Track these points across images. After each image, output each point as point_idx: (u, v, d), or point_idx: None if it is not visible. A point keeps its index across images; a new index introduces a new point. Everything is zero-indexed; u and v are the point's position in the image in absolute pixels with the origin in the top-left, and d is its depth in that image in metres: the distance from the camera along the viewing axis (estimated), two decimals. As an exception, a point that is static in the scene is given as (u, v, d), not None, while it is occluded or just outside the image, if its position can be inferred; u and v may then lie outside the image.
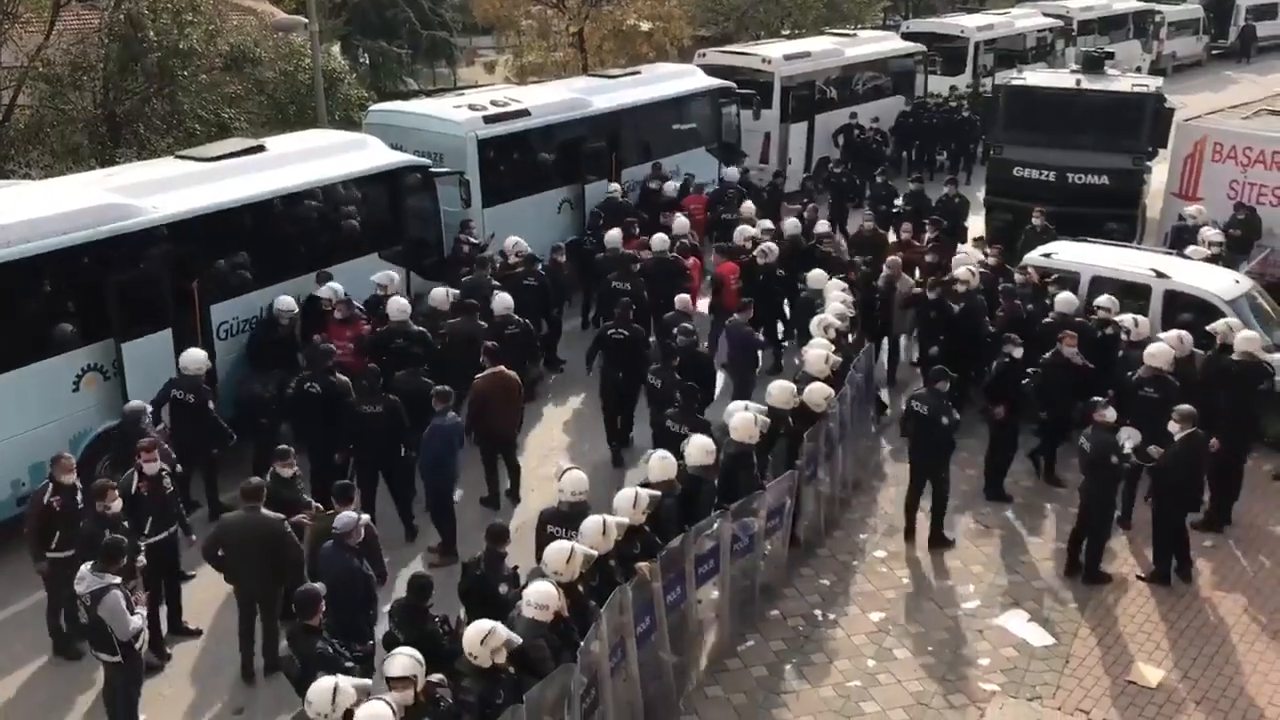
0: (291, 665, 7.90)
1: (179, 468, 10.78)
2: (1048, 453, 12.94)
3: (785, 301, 15.74)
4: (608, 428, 13.57)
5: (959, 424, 11.77)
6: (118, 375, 12.03)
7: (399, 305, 13.46)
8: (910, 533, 11.82)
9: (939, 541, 11.71)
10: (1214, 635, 10.30)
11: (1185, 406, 10.79)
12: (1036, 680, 9.71)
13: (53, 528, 9.55)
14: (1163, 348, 12.00)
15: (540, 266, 15.63)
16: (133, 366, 12.03)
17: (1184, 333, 12.54)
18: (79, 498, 9.63)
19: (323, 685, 6.82)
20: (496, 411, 12.14)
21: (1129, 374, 12.06)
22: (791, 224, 16.93)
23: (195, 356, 11.85)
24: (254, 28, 23.72)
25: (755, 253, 15.43)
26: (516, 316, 13.76)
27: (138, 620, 8.46)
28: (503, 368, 12.23)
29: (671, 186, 19.39)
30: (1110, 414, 10.88)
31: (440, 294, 14.27)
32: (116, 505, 9.17)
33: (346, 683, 6.85)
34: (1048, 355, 12.52)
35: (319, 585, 8.15)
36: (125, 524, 9.19)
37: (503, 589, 8.52)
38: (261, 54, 21.65)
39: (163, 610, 10.08)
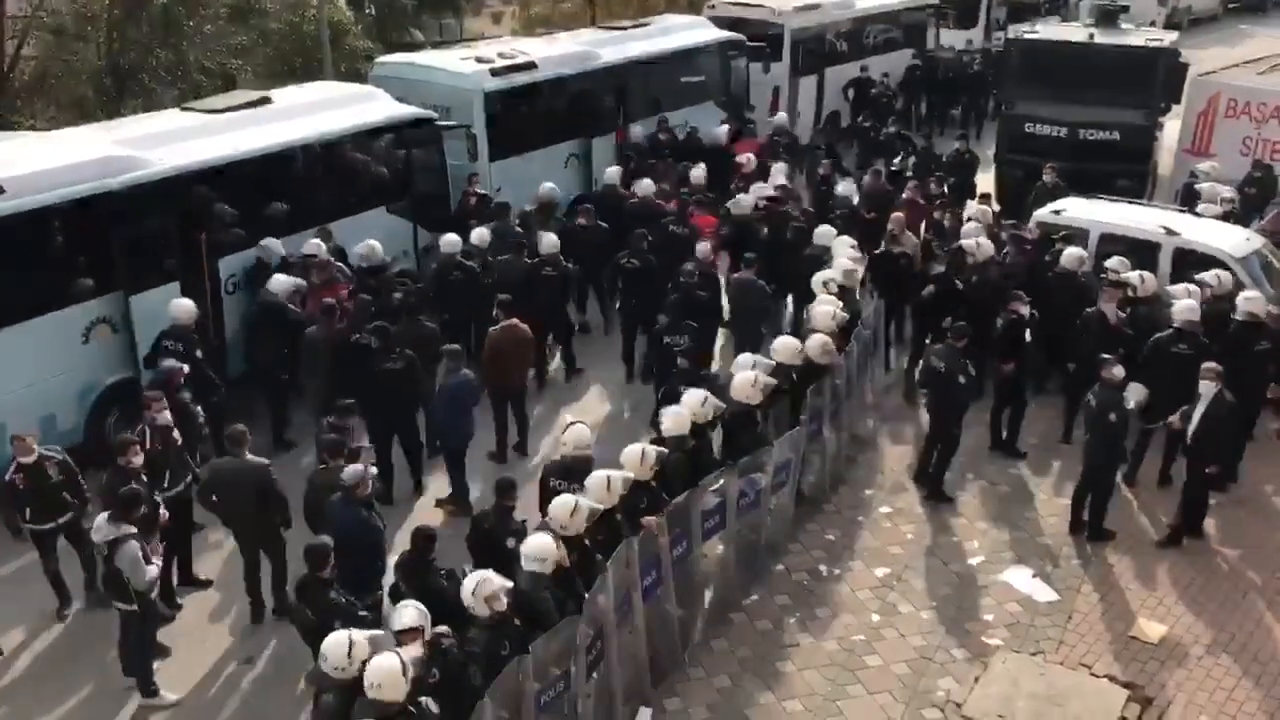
0: (303, 615, 7.98)
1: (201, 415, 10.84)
2: (1070, 410, 12.87)
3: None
4: (625, 347, 14.43)
5: (975, 383, 11.79)
6: (126, 328, 12.06)
7: (450, 240, 13.86)
8: (921, 480, 11.92)
9: (938, 496, 11.77)
10: (1217, 592, 10.35)
11: (1213, 364, 10.75)
12: (1040, 635, 9.78)
13: (22, 503, 9.59)
14: (1190, 303, 11.99)
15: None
16: (141, 319, 12.05)
17: (1191, 285, 12.56)
18: (51, 471, 9.58)
19: (338, 639, 6.88)
20: (509, 365, 12.21)
21: (1152, 332, 12.05)
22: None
23: (184, 306, 11.87)
24: (259, -22, 23.55)
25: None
26: (561, 257, 14.03)
27: (154, 569, 8.56)
28: (515, 320, 12.26)
29: (718, 131, 19.22)
30: (1118, 371, 10.86)
31: (482, 232, 14.37)
32: (139, 460, 9.23)
33: (361, 635, 6.92)
34: (1089, 310, 12.48)
35: (326, 538, 8.21)
36: (144, 477, 9.26)
37: (510, 542, 8.56)
38: (267, 4, 21.51)
39: (174, 562, 10.17)
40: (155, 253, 12.38)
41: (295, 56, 21.67)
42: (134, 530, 8.39)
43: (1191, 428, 10.76)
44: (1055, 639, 9.74)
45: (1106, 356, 11.06)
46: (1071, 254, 13.53)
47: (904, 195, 16.72)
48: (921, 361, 12.25)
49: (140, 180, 12.06)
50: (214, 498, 9.73)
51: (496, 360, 12.13)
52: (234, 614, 10.02)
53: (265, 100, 14.50)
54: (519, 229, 15.22)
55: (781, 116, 21.54)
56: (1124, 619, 9.97)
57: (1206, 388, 10.67)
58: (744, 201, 15.80)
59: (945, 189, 17.07)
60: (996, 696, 9.07)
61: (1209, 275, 12.82)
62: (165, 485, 9.78)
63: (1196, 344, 11.69)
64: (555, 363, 14.64)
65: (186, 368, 10.88)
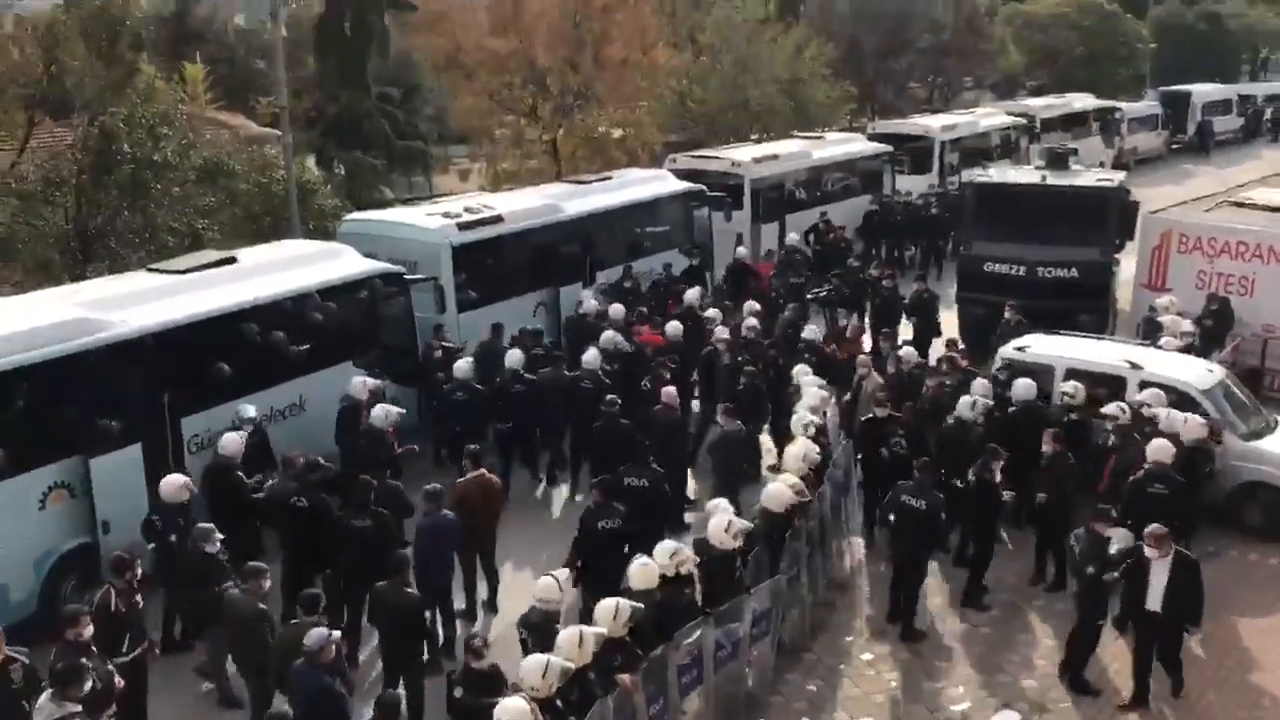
0: None
1: None
2: (1040, 546, 12.68)
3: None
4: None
5: (944, 521, 11.67)
6: (85, 493, 11.78)
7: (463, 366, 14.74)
8: (895, 616, 11.72)
9: (911, 635, 11.55)
10: (1210, 732, 10.08)
11: (1157, 527, 10.13)
12: (1031, 785, 9.45)
13: None
14: (1163, 443, 11.96)
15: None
16: (101, 483, 11.80)
17: (1194, 416, 12.83)
18: (15, 675, 8.74)
19: None
20: (477, 517, 11.89)
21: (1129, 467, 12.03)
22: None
23: (173, 483, 11.28)
24: (228, 140, 23.95)
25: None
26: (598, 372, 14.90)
27: (101, 746, 8.12)
28: (484, 471, 12.07)
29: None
30: (1112, 532, 10.57)
31: (464, 365, 14.86)
32: (88, 632, 8.83)
33: None
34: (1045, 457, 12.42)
35: (286, 709, 7.85)
36: (94, 649, 8.87)
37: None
38: (235, 166, 21.79)
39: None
40: (117, 415, 12.19)
41: (264, 216, 21.87)
42: (78, 710, 7.97)
43: (1156, 598, 10.14)
44: (1048, 789, 9.40)
45: (1103, 506, 10.83)
46: (1022, 384, 13.61)
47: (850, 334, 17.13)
48: (888, 499, 12.04)
49: (102, 342, 11.98)
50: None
51: (464, 513, 11.74)
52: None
53: (231, 259, 14.57)
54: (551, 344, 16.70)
55: (742, 250, 22.09)
56: (1118, 765, 9.67)
57: (1159, 560, 10.08)
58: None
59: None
60: None
61: (1179, 418, 12.81)
62: (124, 650, 9.39)
63: (1173, 483, 11.64)
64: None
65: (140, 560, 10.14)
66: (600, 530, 10.90)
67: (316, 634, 8.59)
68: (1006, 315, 17.25)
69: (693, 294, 18.36)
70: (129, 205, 18.86)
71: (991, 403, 13.47)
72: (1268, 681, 10.86)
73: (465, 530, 11.81)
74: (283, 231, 20.37)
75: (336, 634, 8.85)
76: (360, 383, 13.99)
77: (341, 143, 34.09)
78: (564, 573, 9.63)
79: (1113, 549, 10.56)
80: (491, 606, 12.26)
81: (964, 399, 13.27)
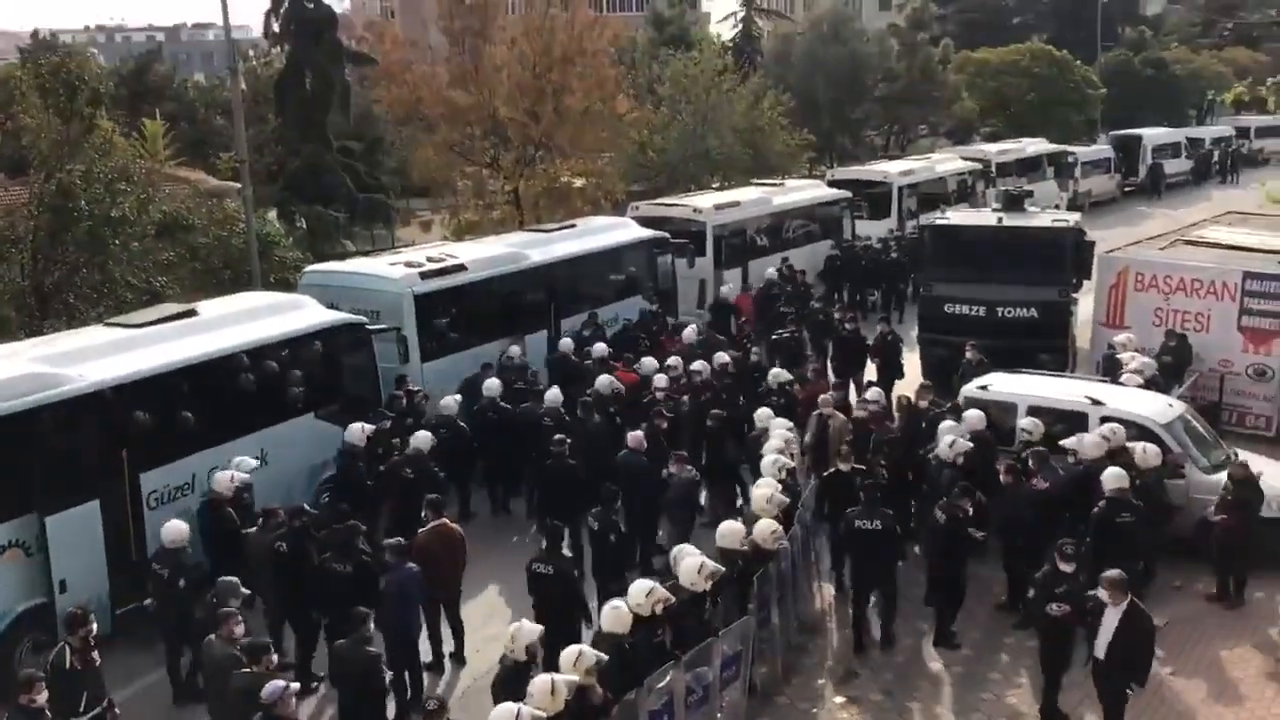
0: None
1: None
2: (1012, 582, 12.63)
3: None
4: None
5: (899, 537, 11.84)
6: (41, 550, 11.53)
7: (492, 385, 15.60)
8: (860, 646, 11.81)
9: (891, 642, 11.74)
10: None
11: (1115, 574, 9.93)
12: (1008, 825, 9.36)
13: None
14: (1118, 471, 12.09)
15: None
16: (57, 541, 11.57)
17: (1150, 445, 12.96)
18: None
19: None
20: (440, 567, 11.69)
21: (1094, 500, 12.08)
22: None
23: (177, 529, 11.39)
24: (187, 195, 23.86)
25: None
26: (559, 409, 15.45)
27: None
28: (445, 520, 11.96)
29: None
30: (1069, 568, 10.45)
31: (450, 401, 15.42)
32: (42, 698, 8.61)
33: None
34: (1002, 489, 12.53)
35: None
36: (48, 715, 8.65)
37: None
38: (195, 220, 21.70)
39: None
40: (73, 471, 11.98)
41: (224, 269, 21.77)
42: None
43: (1102, 645, 9.93)
44: (1025, 828, 9.32)
45: (1066, 541, 10.69)
46: (972, 415, 13.70)
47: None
48: (842, 525, 12.10)
49: (57, 397, 11.79)
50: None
51: (426, 564, 11.49)
52: None
53: (190, 312, 14.45)
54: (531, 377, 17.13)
55: (725, 290, 22.64)
56: (1094, 801, 9.61)
57: (1113, 606, 9.86)
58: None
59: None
60: None
61: (1136, 447, 12.98)
62: (81, 710, 9.15)
63: (1137, 510, 11.72)
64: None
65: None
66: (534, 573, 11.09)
67: (272, 687, 8.45)
68: (968, 355, 17.38)
69: (689, 332, 18.86)
70: (87, 261, 18.70)
71: (970, 444, 13.37)
72: (1234, 708, 10.85)
73: (428, 581, 11.68)
74: (243, 285, 20.28)
75: (295, 686, 8.68)
76: (359, 429, 13.94)
77: (303, 196, 34.03)
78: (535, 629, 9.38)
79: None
80: (459, 658, 12.07)
81: (944, 439, 13.29)
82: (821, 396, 15.46)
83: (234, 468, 12.79)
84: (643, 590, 9.71)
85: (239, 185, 20.27)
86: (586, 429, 14.85)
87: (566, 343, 18.42)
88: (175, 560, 11.24)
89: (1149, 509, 12.14)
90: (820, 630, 12.62)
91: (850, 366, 19.80)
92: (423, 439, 14.05)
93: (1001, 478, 12.64)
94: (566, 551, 11.93)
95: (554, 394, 15.76)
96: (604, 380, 16.08)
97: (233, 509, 12.33)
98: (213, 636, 9.74)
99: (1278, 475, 13.95)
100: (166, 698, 11.50)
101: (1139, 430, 13.67)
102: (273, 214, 31.69)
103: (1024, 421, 13.76)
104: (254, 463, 13.12)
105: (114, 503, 12.26)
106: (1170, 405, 14.64)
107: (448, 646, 12.08)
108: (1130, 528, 11.51)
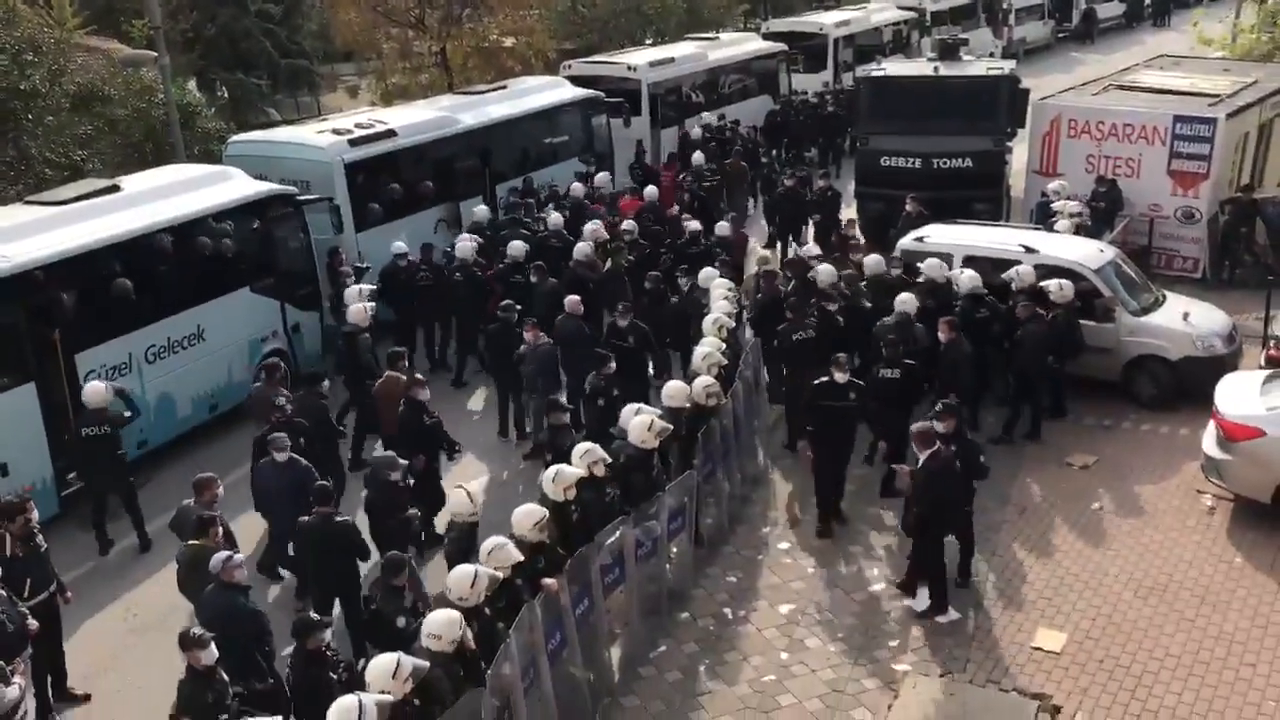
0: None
1: None
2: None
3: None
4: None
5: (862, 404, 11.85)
6: (-22, 435, 11.42)
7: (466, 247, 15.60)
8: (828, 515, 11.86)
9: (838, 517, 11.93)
10: (1110, 594, 10.55)
11: (921, 425, 10.33)
12: (947, 656, 9.82)
13: None
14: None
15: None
16: (-5, 424, 11.44)
17: (1065, 281, 13.47)
18: None
19: None
20: (394, 417, 12.01)
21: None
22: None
23: (96, 389, 11.60)
24: (102, 65, 22.90)
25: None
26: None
27: (14, 690, 7.95)
28: (390, 372, 12.38)
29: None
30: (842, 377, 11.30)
31: (468, 245, 15.76)
32: None
33: None
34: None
35: (195, 629, 7.80)
36: (3, 592, 8.68)
37: (401, 621, 8.29)
38: (112, 92, 20.88)
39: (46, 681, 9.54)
40: (5, 355, 11.80)
41: (145, 143, 21.05)
42: None
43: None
44: (962, 658, 9.78)
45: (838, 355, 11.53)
46: (931, 264, 13.97)
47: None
48: (810, 405, 12.12)
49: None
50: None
51: (385, 412, 12.23)
52: (117, 727, 9.45)
53: (114, 188, 14.04)
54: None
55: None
56: (1025, 631, 10.09)
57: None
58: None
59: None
60: (911, 722, 9.06)
61: (1051, 283, 13.43)
62: (25, 595, 9.14)
63: (994, 307, 13.41)
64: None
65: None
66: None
67: (216, 558, 8.60)
68: (908, 208, 17.46)
69: (651, 191, 18.91)
70: (-1, 138, 18.02)
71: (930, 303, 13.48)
72: (1159, 540, 11.40)
73: (388, 428, 12.30)
74: (166, 158, 19.69)
75: (239, 556, 8.75)
76: (360, 309, 13.72)
77: (222, 63, 32.86)
78: (475, 485, 9.65)
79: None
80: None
81: (902, 295, 13.30)
82: (761, 253, 15.47)
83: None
84: (579, 452, 9.88)
85: (155, 54, 19.43)
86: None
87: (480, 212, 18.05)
88: (100, 418, 11.45)
89: (1062, 345, 13.07)
90: (762, 482, 12.93)
91: (791, 223, 19.85)
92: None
93: (941, 334, 12.68)
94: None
95: (465, 247, 15.84)
96: (590, 228, 16.38)
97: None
98: (188, 502, 9.83)
99: (1204, 316, 14.38)
100: (122, 571, 11.64)
101: (1072, 275, 13.94)
102: (192, 83, 30.54)
103: (1049, 284, 13.50)
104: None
105: (50, 384, 12.14)
106: (1101, 250, 14.91)
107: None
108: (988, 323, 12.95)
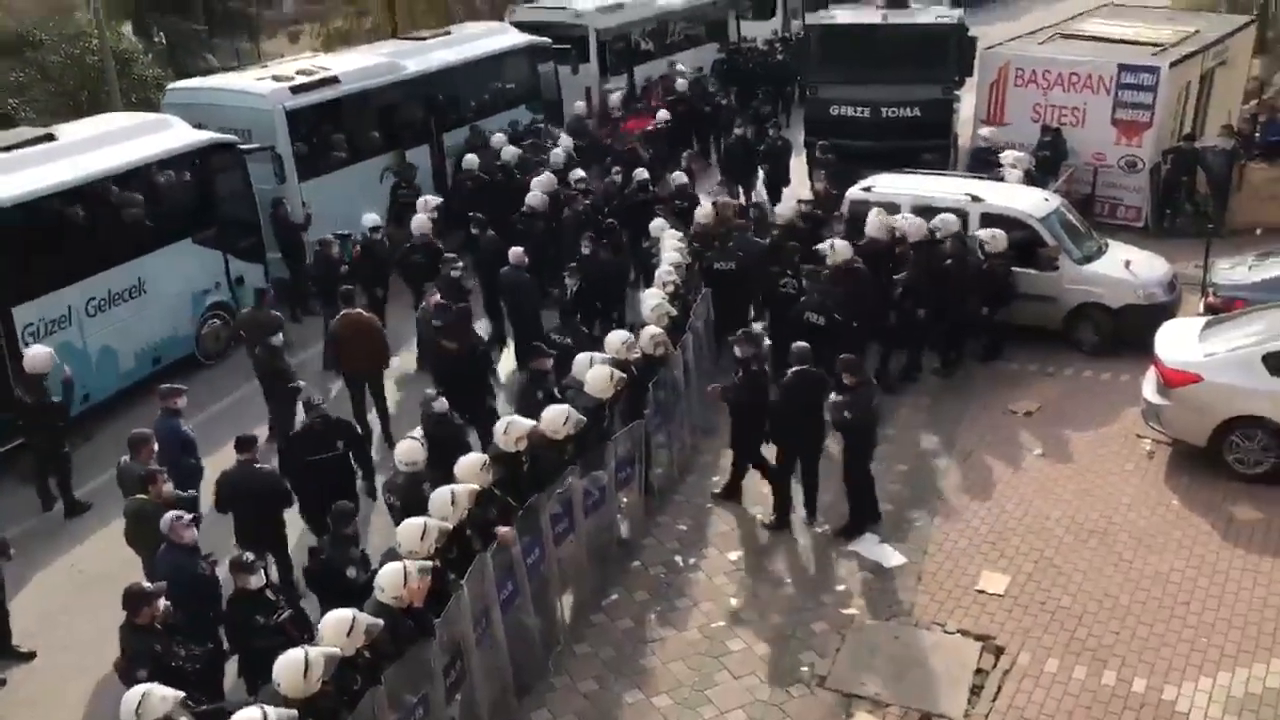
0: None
1: None
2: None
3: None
4: None
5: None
6: (-87, 392, 11.20)
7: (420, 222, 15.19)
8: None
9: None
10: (1051, 537, 10.77)
11: (847, 357, 10.81)
12: (892, 599, 10.00)
13: None
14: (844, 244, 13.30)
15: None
16: (-71, 381, 11.22)
17: (998, 231, 13.73)
18: None
19: (131, 696, 6.48)
20: (354, 352, 12.32)
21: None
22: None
23: (39, 355, 11.46)
24: (32, 8, 22.27)
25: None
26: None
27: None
28: (349, 310, 12.41)
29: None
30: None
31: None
32: None
33: (157, 694, 6.50)
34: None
35: (143, 584, 7.75)
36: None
37: (351, 572, 8.27)
38: (43, 38, 20.32)
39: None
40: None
41: (80, 90, 20.53)
42: None
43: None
44: (908, 601, 9.97)
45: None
46: (872, 219, 13.99)
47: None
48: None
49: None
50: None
51: (343, 349, 12.57)
52: (66, 683, 9.35)
53: (49, 137, 13.69)
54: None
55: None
56: (969, 574, 10.29)
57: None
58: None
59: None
60: (858, 664, 9.23)
61: (984, 233, 13.68)
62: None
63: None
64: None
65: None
66: None
67: (166, 518, 8.52)
68: (816, 154, 18.06)
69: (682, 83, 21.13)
70: (-75, 86, 17.50)
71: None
72: (1099, 484, 11.64)
73: (347, 364, 12.64)
74: (102, 106, 19.24)
75: (188, 516, 8.66)
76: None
77: (158, 6, 31.89)
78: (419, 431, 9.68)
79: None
80: (387, 440, 12.32)
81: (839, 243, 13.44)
82: (703, 206, 15.51)
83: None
84: (557, 415, 9.76)
85: (87, -3, 18.97)
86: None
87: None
88: (36, 388, 11.30)
89: (995, 291, 13.56)
90: (714, 432, 12.99)
91: (741, 172, 19.80)
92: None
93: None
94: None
95: (421, 212, 15.58)
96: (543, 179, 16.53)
97: None
98: (126, 459, 9.76)
99: (1145, 264, 14.61)
100: (67, 527, 11.55)
101: (1017, 224, 14.08)
102: (127, 28, 29.74)
103: (983, 233, 13.81)
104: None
105: (-13, 338, 11.88)
106: (1046, 199, 15.05)
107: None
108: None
